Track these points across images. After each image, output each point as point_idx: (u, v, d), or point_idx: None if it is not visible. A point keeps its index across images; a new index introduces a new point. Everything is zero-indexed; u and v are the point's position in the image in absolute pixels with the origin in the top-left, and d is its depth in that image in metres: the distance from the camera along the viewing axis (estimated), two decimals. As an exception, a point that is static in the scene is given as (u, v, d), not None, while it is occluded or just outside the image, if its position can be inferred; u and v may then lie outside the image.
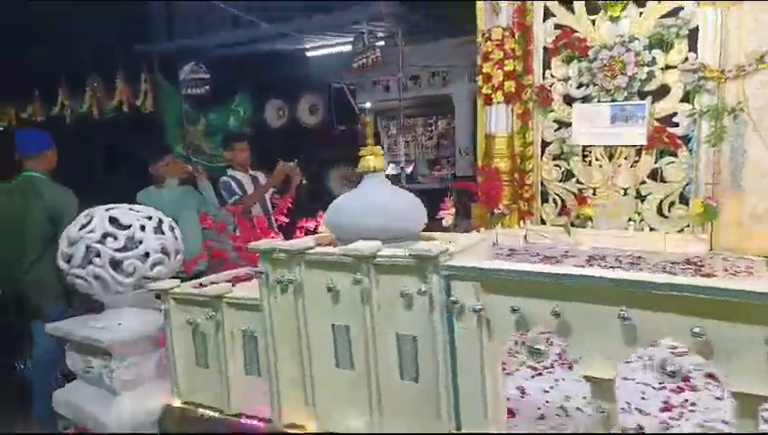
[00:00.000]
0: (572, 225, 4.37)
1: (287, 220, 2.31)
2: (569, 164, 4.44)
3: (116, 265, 1.92)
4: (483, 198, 4.27)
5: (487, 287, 1.33)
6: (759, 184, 3.82)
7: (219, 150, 7.68)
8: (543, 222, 4.59)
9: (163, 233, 2.05)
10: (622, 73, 4.07)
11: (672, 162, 4.06)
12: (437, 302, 1.42)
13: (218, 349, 1.78)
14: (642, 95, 4.09)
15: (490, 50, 4.49)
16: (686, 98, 3.97)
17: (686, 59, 3.93)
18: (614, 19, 4.14)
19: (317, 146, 5.99)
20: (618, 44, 4.08)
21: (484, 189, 4.30)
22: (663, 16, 3.98)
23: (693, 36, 3.90)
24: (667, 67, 4.00)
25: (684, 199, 4.06)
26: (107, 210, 2.02)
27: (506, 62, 4.44)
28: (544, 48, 4.45)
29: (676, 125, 4.02)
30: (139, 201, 3.84)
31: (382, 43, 6.37)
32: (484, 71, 4.57)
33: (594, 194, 4.33)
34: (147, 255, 1.96)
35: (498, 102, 4.53)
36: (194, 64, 6.67)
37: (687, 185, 4.04)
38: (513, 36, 4.44)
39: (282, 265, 1.65)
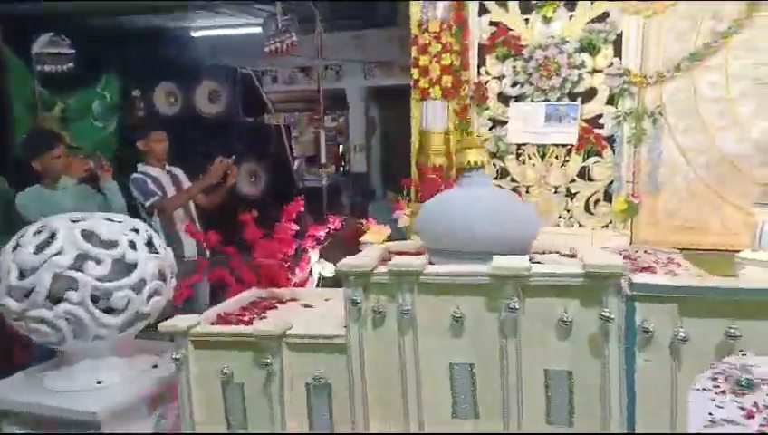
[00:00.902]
0: (507, 222, 4.37)
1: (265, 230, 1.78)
2: (503, 162, 4.43)
3: (99, 300, 1.29)
4: (427, 197, 4.04)
5: (687, 309, 1.08)
6: (673, 183, 4.16)
7: (86, 141, 6.41)
8: (478, 220, 4.53)
9: (157, 251, 1.44)
10: (557, 74, 4.15)
11: (598, 161, 4.25)
12: (613, 329, 1.14)
13: (270, 406, 1.29)
14: (572, 96, 4.22)
15: (428, 42, 4.29)
16: (611, 101, 4.18)
17: (612, 64, 4.13)
18: (546, 20, 4.20)
19: (220, 138, 5.24)
20: (552, 45, 4.14)
21: (427, 187, 4.08)
22: (591, 21, 4.13)
23: (618, 42, 4.12)
24: (594, 71, 4.17)
25: (608, 197, 4.28)
26: (73, 221, 1.35)
27: (443, 56, 4.28)
28: (479, 44, 4.37)
29: (602, 126, 4.22)
30: (21, 205, 2.91)
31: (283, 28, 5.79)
32: (420, 64, 4.35)
33: (528, 192, 4.38)
34: (142, 282, 1.35)
35: (435, 98, 4.35)
36: (53, 35, 5.39)
37: (611, 183, 4.26)
38: (451, 30, 4.29)
39: (380, 290, 1.23)
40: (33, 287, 1.25)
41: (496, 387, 1.22)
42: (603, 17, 4.10)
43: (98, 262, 1.30)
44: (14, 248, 1.33)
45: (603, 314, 1.11)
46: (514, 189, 4.41)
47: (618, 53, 4.11)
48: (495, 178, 4.47)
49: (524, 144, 4.35)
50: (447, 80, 4.30)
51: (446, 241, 1.36)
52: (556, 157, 4.32)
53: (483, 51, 4.37)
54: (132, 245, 1.37)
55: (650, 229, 4.20)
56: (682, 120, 4.08)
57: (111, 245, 1.34)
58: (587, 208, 4.32)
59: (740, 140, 3.99)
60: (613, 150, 4.22)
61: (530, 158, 4.37)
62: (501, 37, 4.26)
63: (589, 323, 1.16)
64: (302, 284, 1.90)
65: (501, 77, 4.36)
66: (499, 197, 1.38)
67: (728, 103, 3.99)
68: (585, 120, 4.22)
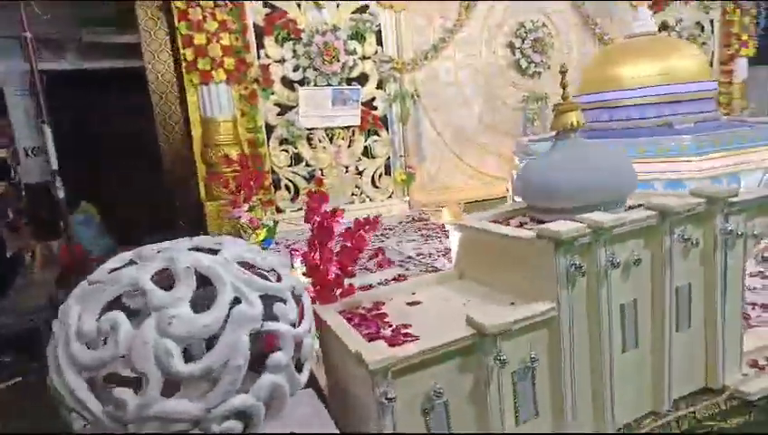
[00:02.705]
0: (309, 207, 4.31)
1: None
2: (296, 148, 4.31)
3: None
4: (239, 188, 3.59)
5: (755, 213, 1.47)
6: (431, 153, 4.90)
7: None
8: (280, 210, 4.30)
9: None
10: (336, 60, 4.27)
11: (377, 140, 4.62)
12: (720, 241, 1.43)
13: (485, 411, 1.07)
14: (349, 81, 4.43)
15: (202, 17, 3.73)
16: (380, 85, 4.58)
17: (377, 51, 4.52)
18: (318, 6, 4.25)
19: None
20: (328, 32, 4.23)
21: (237, 179, 3.63)
22: (355, 12, 4.40)
23: (379, 32, 4.52)
24: (364, 57, 4.48)
25: (388, 171, 4.72)
26: (199, 250, 0.69)
27: (222, 35, 3.82)
28: (255, 25, 4.07)
29: (376, 108, 4.59)
30: None
31: None
32: (195, 42, 3.75)
33: (323, 174, 4.41)
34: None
35: (219, 82, 3.85)
36: None
37: (389, 159, 4.72)
38: (227, 6, 3.85)
39: (582, 251, 1.18)
40: (225, 363, 0.61)
41: (647, 316, 1.36)
42: (364, 9, 4.42)
43: (285, 302, 0.74)
44: (138, 316, 0.60)
45: (726, 228, 1.38)
46: (310, 174, 4.38)
47: (380, 42, 4.53)
48: (290, 166, 4.33)
49: (314, 128, 4.33)
50: (230, 62, 3.86)
51: (555, 200, 1.38)
52: (343, 138, 4.48)
53: (260, 32, 4.10)
54: (277, 274, 0.83)
55: (421, 194, 4.85)
56: (432, 101, 4.83)
57: (275, 275, 0.78)
58: (373, 183, 4.66)
59: (469, 117, 5.02)
60: (387, 129, 4.66)
61: (320, 141, 4.39)
62: (279, 20, 4.09)
63: (703, 241, 1.42)
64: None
65: (282, 61, 4.19)
66: (604, 153, 1.48)
67: (459, 87, 4.94)
68: (363, 103, 4.50)
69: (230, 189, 3.61)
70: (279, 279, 0.81)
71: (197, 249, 0.78)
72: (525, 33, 5.05)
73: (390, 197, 4.70)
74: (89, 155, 7.52)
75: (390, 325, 1.22)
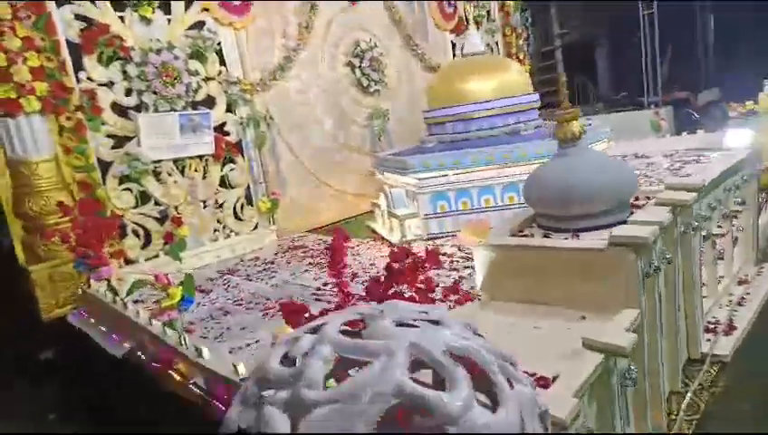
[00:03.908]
0: (166, 253, 3.61)
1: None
2: (141, 185, 3.57)
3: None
4: (81, 243, 2.79)
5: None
6: (291, 177, 4.57)
7: None
8: (129, 261, 3.50)
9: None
10: (179, 81, 3.69)
11: (234, 168, 4.12)
12: (693, 225, 1.52)
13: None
14: (195, 105, 3.86)
15: (-3, 32, 2.85)
16: (230, 108, 4.10)
17: (220, 72, 4.04)
18: (145, 20, 3.62)
19: None
20: (164, 50, 3.63)
21: (82, 230, 2.82)
22: (190, 28, 3.87)
23: (220, 51, 4.04)
24: (207, 79, 3.95)
25: (250, 200, 4.24)
26: None
27: (29, 54, 2.98)
28: (69, 42, 3.26)
29: (228, 133, 4.09)
30: None
31: None
32: (-9, 63, 2.84)
33: (179, 213, 3.74)
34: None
35: (31, 112, 2.99)
36: None
37: (248, 187, 4.24)
38: (30, 20, 3.01)
39: (651, 251, 1.11)
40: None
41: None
42: (200, 25, 3.92)
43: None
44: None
45: (702, 214, 1.48)
46: (164, 212, 3.68)
47: (222, 61, 4.06)
48: (135, 207, 3.56)
49: (161, 161, 3.66)
50: (43, 87, 3.03)
51: (582, 205, 1.33)
52: (196, 170, 3.88)
53: (76, 51, 3.30)
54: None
55: (287, 220, 4.48)
56: (285, 122, 4.52)
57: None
58: (236, 215, 4.14)
59: (323, 136, 4.84)
60: (243, 156, 4.19)
61: (170, 175, 3.72)
62: (102, 36, 3.35)
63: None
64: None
65: (110, 84, 3.44)
66: (606, 159, 1.45)
67: (310, 107, 4.73)
68: (214, 129, 3.95)
69: (69, 245, 2.80)
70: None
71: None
72: (361, 52, 5.09)
73: (256, 228, 4.24)
74: None
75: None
